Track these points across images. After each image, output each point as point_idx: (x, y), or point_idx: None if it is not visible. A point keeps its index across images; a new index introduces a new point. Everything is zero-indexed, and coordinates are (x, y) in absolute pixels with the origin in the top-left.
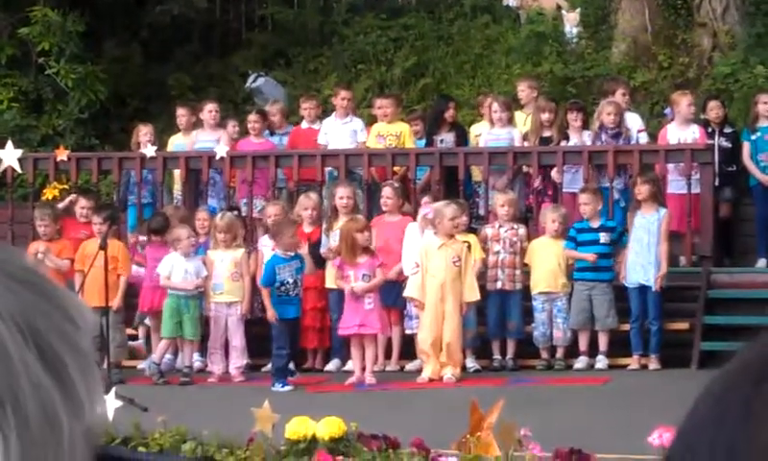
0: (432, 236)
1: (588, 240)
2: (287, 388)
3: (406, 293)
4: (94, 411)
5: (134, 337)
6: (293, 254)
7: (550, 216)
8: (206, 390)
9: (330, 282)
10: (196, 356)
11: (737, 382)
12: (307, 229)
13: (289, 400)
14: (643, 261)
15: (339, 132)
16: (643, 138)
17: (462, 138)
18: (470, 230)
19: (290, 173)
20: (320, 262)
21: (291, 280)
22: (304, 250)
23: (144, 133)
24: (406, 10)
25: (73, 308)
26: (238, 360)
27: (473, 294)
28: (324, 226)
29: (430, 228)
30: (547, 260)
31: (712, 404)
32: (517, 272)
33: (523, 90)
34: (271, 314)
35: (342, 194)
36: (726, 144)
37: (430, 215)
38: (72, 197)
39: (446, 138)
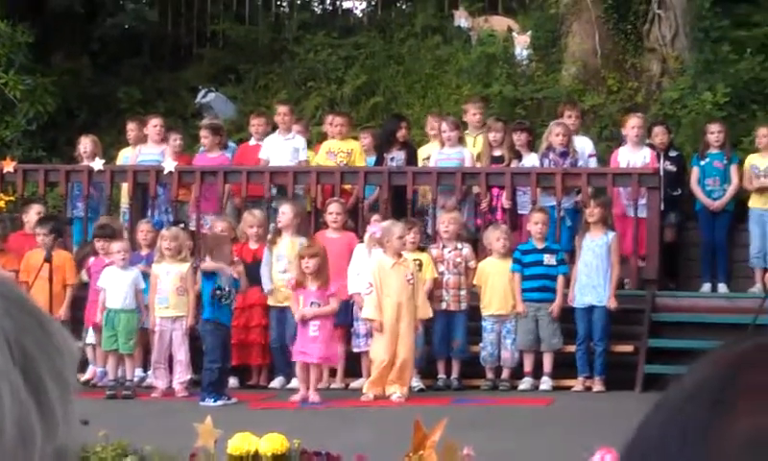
0: (383, 256)
1: (533, 261)
2: (219, 403)
3: (364, 315)
4: (68, 434)
5: None
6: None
7: (494, 235)
8: (150, 404)
9: (272, 301)
10: (139, 371)
11: (693, 403)
12: (253, 245)
13: (232, 416)
14: (592, 283)
15: (280, 148)
16: (593, 163)
17: (412, 158)
18: (420, 249)
19: (237, 189)
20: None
21: (227, 289)
22: (240, 268)
23: (84, 144)
24: (357, 28)
25: (61, 339)
26: (182, 375)
27: (427, 311)
28: (269, 241)
29: (377, 247)
30: (498, 282)
31: (666, 426)
32: (462, 292)
33: (475, 114)
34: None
35: (283, 210)
36: (671, 168)
37: (378, 234)
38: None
39: (397, 157)
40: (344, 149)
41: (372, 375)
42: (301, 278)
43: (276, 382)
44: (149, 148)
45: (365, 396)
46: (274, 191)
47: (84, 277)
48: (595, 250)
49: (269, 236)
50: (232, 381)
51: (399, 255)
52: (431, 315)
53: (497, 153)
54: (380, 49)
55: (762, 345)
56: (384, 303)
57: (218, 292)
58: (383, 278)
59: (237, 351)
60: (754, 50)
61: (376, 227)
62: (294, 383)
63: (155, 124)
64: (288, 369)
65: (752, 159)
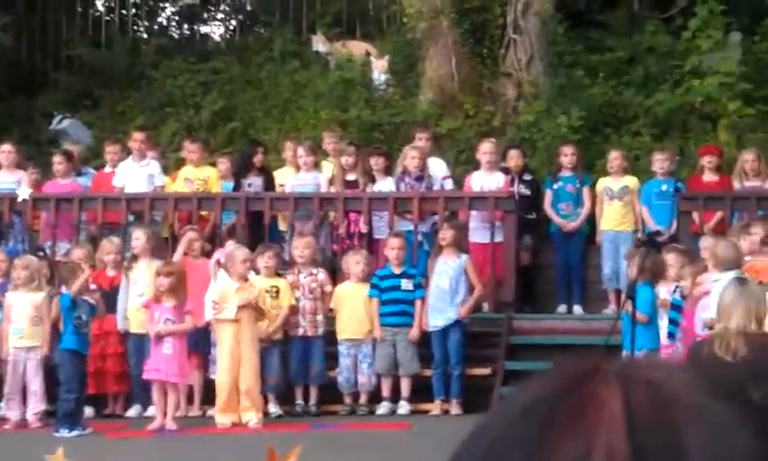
0: (228, 280)
1: (390, 287)
2: (74, 433)
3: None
4: None
5: None
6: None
7: (353, 259)
8: (2, 437)
9: (133, 327)
10: None
11: (523, 422)
12: (111, 272)
13: (88, 447)
14: (445, 307)
15: (135, 175)
16: (449, 185)
17: (270, 183)
18: (278, 275)
19: (93, 216)
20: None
21: (84, 318)
22: (96, 295)
23: None
24: (215, 54)
25: None
26: (36, 406)
27: (273, 335)
28: (125, 267)
29: (222, 271)
30: (353, 307)
31: (496, 444)
32: (319, 317)
33: (330, 143)
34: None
35: (136, 236)
36: (526, 191)
37: (223, 259)
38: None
39: (255, 183)
40: (200, 176)
41: (218, 401)
42: (158, 295)
43: (133, 411)
44: (3, 175)
45: (220, 423)
46: (131, 218)
47: None
48: (448, 272)
49: (125, 263)
50: (88, 411)
51: (245, 280)
52: (279, 337)
53: (351, 177)
54: (238, 74)
55: (590, 367)
56: (225, 325)
57: (77, 321)
58: (226, 300)
59: (94, 379)
60: (607, 74)
61: (221, 252)
62: (151, 411)
63: (4, 150)
64: (145, 397)
65: (604, 182)
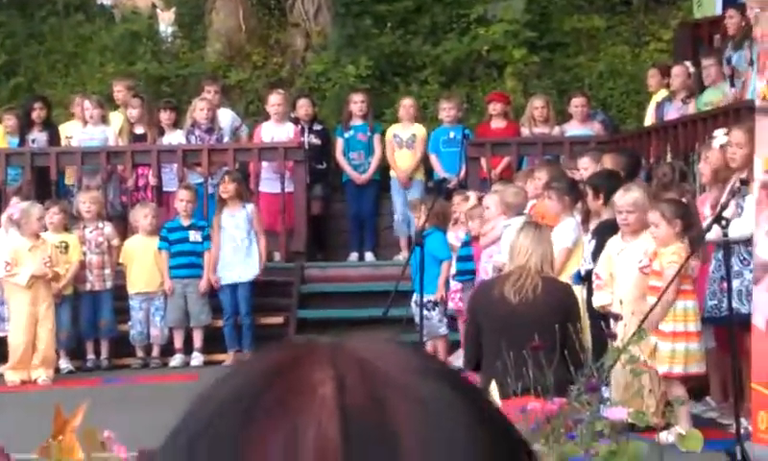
0: (20, 238)
1: (179, 239)
2: None
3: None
4: None
5: None
6: None
7: (141, 213)
8: None
9: None
10: None
11: (224, 416)
12: None
13: None
14: (236, 258)
15: None
16: (245, 133)
17: (55, 138)
18: (66, 230)
19: None
20: None
21: None
22: None
23: None
24: None
25: None
26: None
27: (63, 291)
28: None
29: (15, 228)
30: (144, 260)
31: (196, 440)
32: (107, 271)
33: (120, 91)
34: None
35: None
36: (316, 141)
37: (16, 216)
38: None
39: (39, 138)
40: None
41: (11, 360)
42: None
43: None
44: None
45: (9, 381)
46: None
47: None
48: (238, 224)
49: None
50: None
51: (37, 237)
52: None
53: (140, 130)
54: (21, 28)
55: (300, 351)
56: (19, 290)
57: None
58: (19, 259)
59: None
60: (394, 24)
61: (15, 208)
62: None
63: None
64: None
65: (394, 129)
